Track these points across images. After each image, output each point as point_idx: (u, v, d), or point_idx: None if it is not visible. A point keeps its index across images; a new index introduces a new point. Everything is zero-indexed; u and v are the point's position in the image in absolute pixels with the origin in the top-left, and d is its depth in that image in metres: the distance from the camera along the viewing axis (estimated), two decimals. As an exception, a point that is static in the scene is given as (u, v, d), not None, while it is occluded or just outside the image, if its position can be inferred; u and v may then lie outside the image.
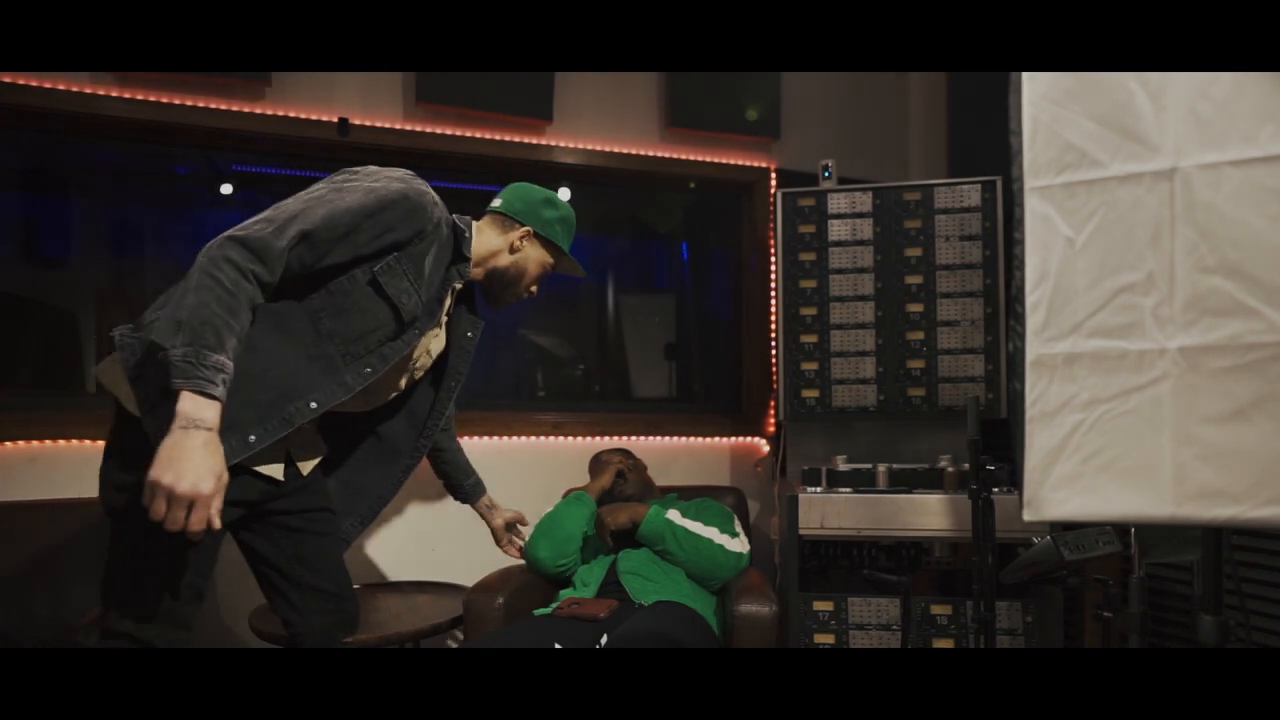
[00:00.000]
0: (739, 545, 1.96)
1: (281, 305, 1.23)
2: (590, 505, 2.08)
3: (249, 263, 1.12)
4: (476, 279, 1.55)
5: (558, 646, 1.59)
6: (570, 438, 2.64)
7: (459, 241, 1.44)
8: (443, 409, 1.60)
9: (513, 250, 1.55)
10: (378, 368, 1.34)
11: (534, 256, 1.58)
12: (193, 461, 1.01)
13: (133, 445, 1.13)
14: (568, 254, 1.62)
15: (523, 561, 2.05)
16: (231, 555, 2.39)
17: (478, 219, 1.56)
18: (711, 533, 1.94)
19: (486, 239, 1.53)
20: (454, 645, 2.42)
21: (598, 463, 2.30)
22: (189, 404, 1.03)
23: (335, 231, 1.21)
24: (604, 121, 2.70)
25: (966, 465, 1.95)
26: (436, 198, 1.35)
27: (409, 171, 1.35)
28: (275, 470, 1.32)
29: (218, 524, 1.06)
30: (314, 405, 1.27)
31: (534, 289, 1.63)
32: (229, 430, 1.14)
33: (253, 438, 1.19)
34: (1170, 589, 2.07)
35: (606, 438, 2.64)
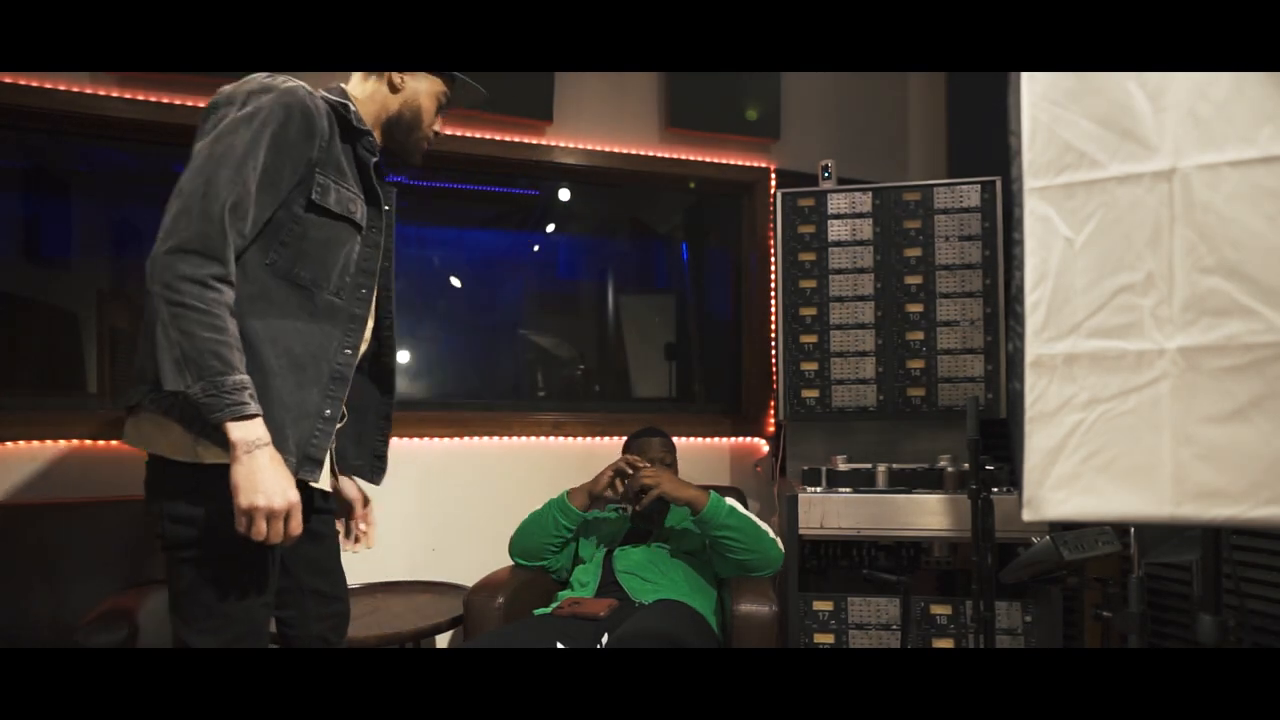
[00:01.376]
0: (779, 540, 1.95)
1: (254, 286, 1.17)
2: (573, 517, 2.01)
3: (202, 268, 1.07)
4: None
5: (560, 646, 1.59)
6: (570, 438, 2.64)
7: (346, 118, 1.29)
8: (390, 295, 1.45)
9: (395, 90, 1.37)
10: (369, 285, 1.31)
11: (423, 89, 1.39)
12: (271, 479, 1.08)
13: (182, 483, 1.15)
14: (458, 75, 1.44)
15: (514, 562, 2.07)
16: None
17: (346, 84, 1.38)
18: (763, 525, 1.92)
19: (367, 98, 1.36)
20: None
21: (632, 445, 2.25)
22: (236, 432, 1.06)
23: (248, 186, 1.12)
24: (604, 121, 2.70)
25: (966, 465, 1.95)
26: (307, 87, 1.22)
27: (265, 74, 1.21)
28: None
29: (301, 526, 1.12)
30: (348, 352, 1.27)
31: (438, 127, 1.45)
32: (304, 418, 1.19)
33: (328, 411, 1.22)
34: (1170, 589, 2.07)
35: (606, 438, 2.65)
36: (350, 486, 1.53)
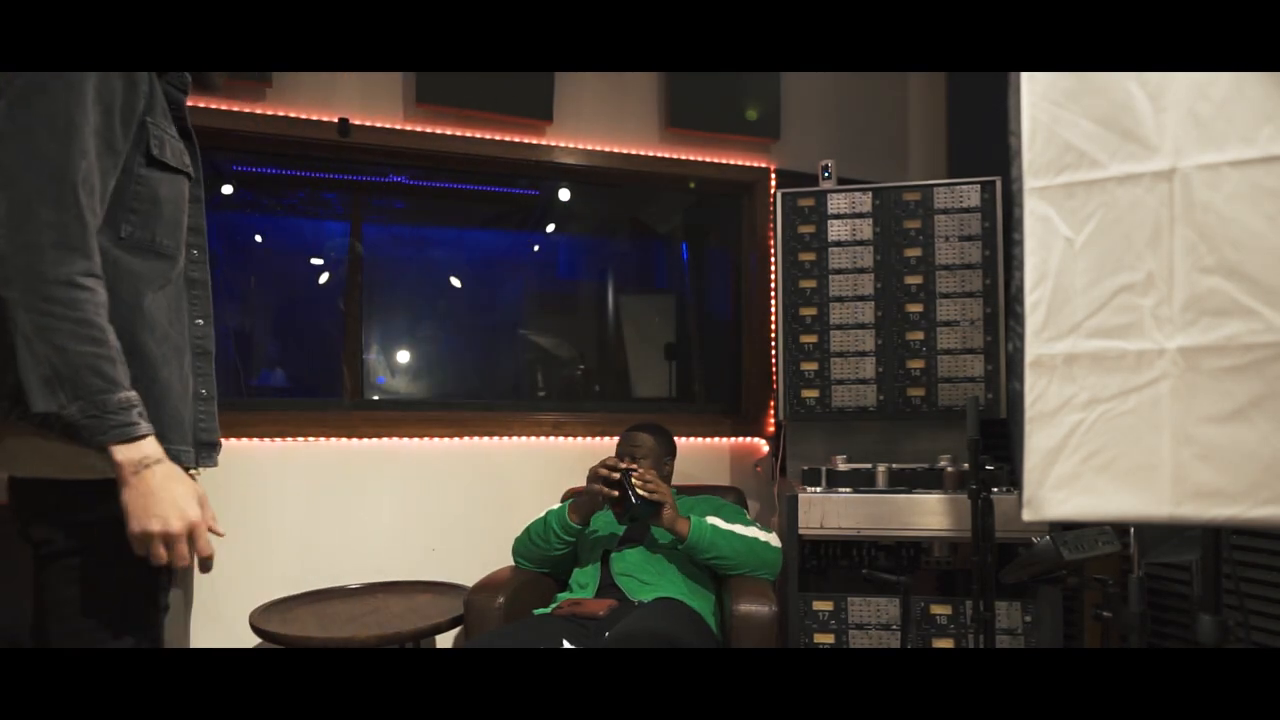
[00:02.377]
0: (774, 539, 1.94)
1: (113, 268, 0.99)
2: (573, 531, 1.97)
3: (67, 266, 0.91)
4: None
5: (566, 645, 1.60)
6: (570, 438, 2.64)
7: None
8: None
9: None
10: (201, 244, 1.16)
11: None
12: (167, 498, 0.96)
13: (74, 498, 0.99)
14: None
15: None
16: (228, 554, 2.39)
17: None
18: (752, 532, 1.91)
19: None
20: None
21: (623, 437, 2.23)
22: (123, 453, 0.93)
23: (89, 155, 0.95)
24: (604, 121, 2.70)
25: (966, 465, 1.95)
26: None
27: None
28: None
29: (209, 547, 1.01)
30: (200, 322, 1.13)
31: None
32: (187, 403, 1.07)
33: (204, 390, 1.11)
34: (1170, 589, 2.07)
35: (606, 438, 2.65)
36: None
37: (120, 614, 1.03)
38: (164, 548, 0.96)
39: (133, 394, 0.95)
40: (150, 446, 0.96)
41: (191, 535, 0.98)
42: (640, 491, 1.82)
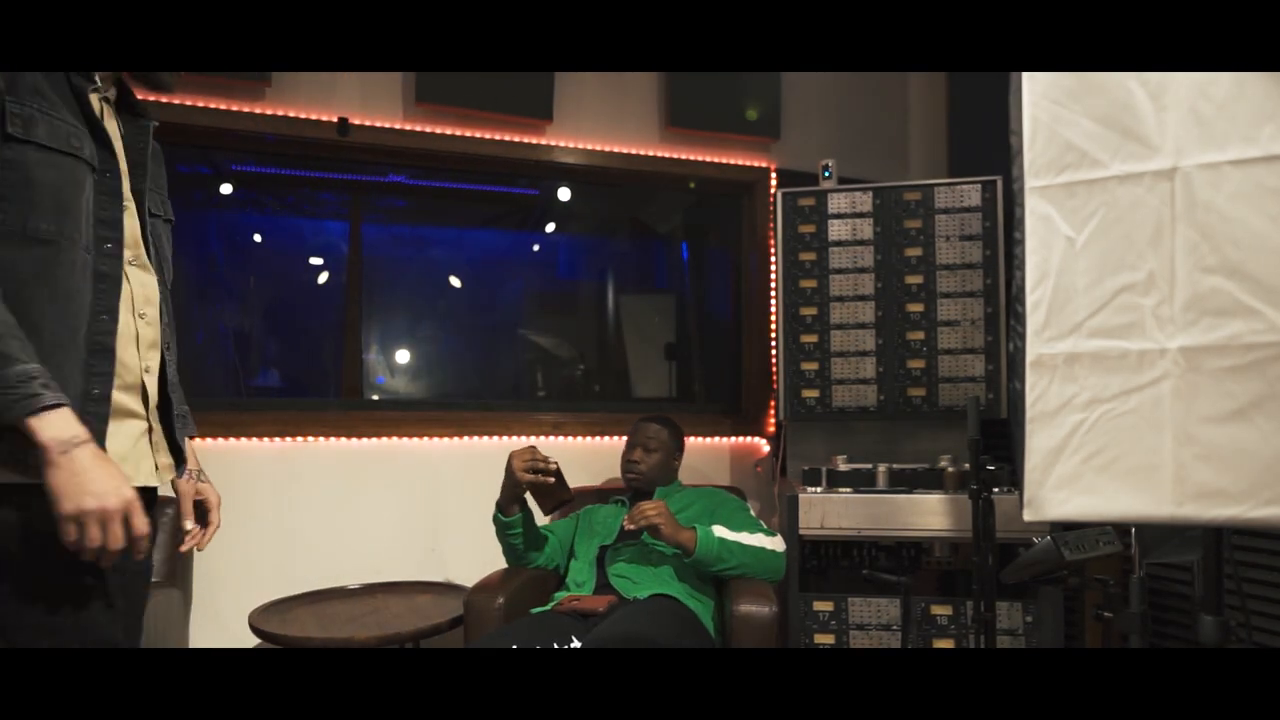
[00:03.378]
0: (778, 543, 1.92)
1: None
2: (503, 524, 1.94)
3: None
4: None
5: (575, 643, 1.60)
6: (570, 438, 2.64)
7: None
8: (166, 262, 1.23)
9: None
10: (114, 239, 1.08)
11: None
12: (99, 475, 0.91)
13: None
14: None
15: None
16: (227, 554, 2.38)
17: None
18: (757, 539, 1.89)
19: None
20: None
21: (635, 432, 2.19)
22: (44, 431, 0.89)
23: None
24: (604, 121, 2.70)
25: (966, 465, 1.95)
26: None
27: None
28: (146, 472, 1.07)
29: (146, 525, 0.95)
30: (105, 318, 1.04)
31: None
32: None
33: (96, 390, 1.02)
34: (1170, 589, 2.07)
35: (606, 438, 2.64)
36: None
37: (51, 620, 0.97)
38: (98, 528, 0.91)
39: (35, 366, 0.90)
40: (73, 424, 0.92)
41: (127, 513, 0.93)
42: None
